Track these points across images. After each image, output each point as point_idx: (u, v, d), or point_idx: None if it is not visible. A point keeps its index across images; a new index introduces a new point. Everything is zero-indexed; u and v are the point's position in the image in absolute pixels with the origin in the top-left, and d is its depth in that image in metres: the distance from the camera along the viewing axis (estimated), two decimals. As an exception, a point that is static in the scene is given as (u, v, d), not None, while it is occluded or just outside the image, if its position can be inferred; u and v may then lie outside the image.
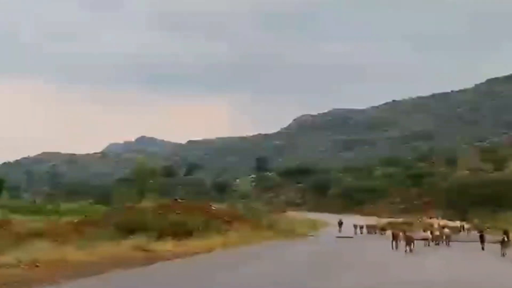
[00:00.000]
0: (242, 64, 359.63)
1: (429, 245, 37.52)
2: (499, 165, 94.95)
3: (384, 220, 57.07)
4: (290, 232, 41.05)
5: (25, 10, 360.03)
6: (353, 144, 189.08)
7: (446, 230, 46.15)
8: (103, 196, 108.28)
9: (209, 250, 28.88)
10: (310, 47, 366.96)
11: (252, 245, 32.17)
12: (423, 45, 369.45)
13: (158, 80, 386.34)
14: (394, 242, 34.15)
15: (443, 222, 57.56)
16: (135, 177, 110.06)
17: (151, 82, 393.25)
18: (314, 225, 56.94)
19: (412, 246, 32.56)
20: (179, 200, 40.93)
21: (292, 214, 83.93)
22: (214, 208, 40.27)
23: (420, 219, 61.72)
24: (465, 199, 72.48)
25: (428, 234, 39.50)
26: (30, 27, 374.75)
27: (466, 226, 55.92)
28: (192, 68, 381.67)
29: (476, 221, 60.44)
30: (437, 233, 41.87)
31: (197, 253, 28.00)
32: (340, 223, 54.30)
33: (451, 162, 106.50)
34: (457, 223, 57.66)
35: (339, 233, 50.36)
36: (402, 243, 33.40)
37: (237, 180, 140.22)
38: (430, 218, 64.41)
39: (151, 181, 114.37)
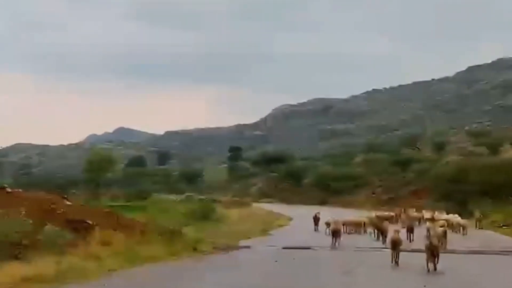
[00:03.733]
0: (220, 54, 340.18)
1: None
2: (493, 149, 78.14)
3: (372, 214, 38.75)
4: (207, 243, 22.97)
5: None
6: (333, 133, 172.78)
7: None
8: (60, 187, 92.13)
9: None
10: (289, 37, 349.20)
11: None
12: (403, 34, 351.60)
13: (136, 71, 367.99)
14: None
15: (436, 215, 39.76)
16: (89, 168, 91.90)
17: (129, 73, 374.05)
18: (270, 223, 38.96)
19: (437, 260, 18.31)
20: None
21: (256, 207, 66.57)
22: (69, 204, 21.83)
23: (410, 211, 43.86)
24: (463, 187, 54.47)
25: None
26: (6, 16, 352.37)
27: (462, 222, 36.97)
28: (170, 59, 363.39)
29: (477, 214, 41.85)
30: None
31: None
32: (317, 219, 36.47)
33: (439, 147, 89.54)
34: (455, 217, 38.67)
35: (314, 230, 35.30)
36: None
37: (208, 170, 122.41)
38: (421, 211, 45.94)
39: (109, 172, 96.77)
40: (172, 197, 76.00)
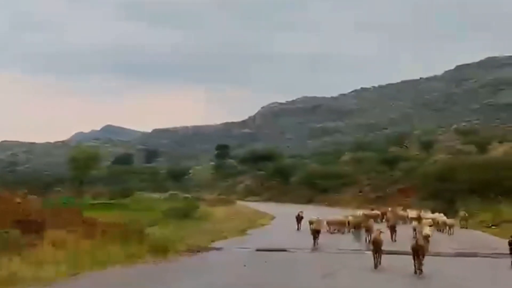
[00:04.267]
0: (209, 53, 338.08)
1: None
2: (482, 147, 77.11)
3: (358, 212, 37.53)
4: (178, 243, 21.40)
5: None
6: (322, 132, 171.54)
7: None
8: (46, 185, 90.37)
9: None
10: (281, 36, 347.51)
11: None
12: (392, 33, 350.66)
13: (125, 69, 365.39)
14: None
15: (422, 214, 38.32)
16: (73, 165, 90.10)
17: (118, 72, 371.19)
18: (252, 222, 37.61)
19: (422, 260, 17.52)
20: None
21: (241, 205, 65.20)
22: (19, 202, 20.15)
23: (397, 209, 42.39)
24: (452, 186, 53.10)
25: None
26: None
27: (449, 221, 35.46)
28: (159, 57, 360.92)
29: (462, 213, 40.31)
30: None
31: None
32: (299, 218, 35.02)
33: (427, 145, 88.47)
34: (440, 216, 37.15)
35: (297, 229, 33.73)
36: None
37: (196, 168, 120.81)
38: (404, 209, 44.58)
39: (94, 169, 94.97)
40: (156, 195, 74.46)
